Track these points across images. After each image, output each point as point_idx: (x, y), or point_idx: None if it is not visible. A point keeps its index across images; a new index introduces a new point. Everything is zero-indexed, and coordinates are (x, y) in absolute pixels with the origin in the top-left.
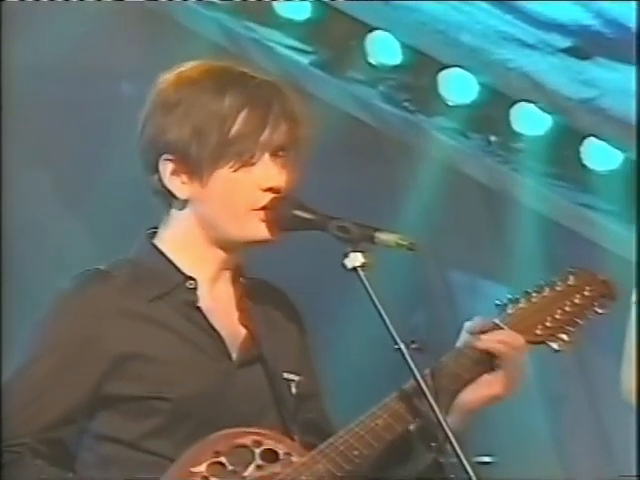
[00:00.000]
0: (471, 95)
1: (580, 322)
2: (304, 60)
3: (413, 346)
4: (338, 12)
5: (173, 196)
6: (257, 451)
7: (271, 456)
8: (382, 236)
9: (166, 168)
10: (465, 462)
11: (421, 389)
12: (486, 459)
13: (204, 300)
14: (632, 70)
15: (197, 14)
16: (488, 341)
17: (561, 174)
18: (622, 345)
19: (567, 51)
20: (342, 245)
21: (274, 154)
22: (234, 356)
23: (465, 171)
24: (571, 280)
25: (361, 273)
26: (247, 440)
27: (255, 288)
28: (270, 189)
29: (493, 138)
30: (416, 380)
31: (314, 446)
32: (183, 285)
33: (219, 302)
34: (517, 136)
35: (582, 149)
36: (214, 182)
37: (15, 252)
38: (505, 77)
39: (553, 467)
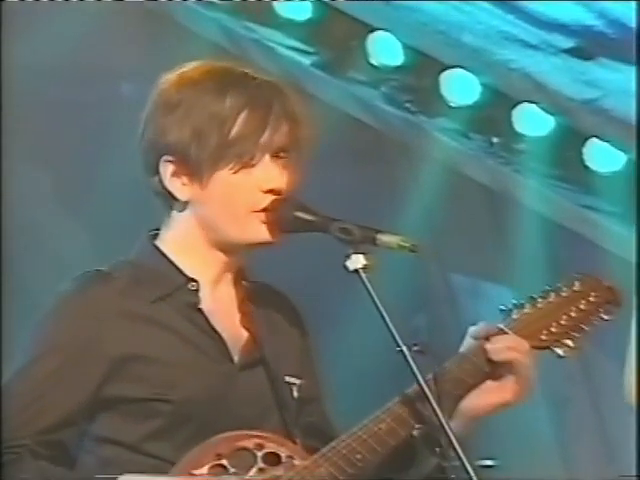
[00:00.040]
0: (473, 96)
1: (585, 328)
2: (305, 61)
3: (415, 348)
4: (339, 12)
5: (174, 198)
6: (259, 454)
7: (273, 459)
8: (384, 238)
9: (166, 169)
10: (468, 467)
11: (423, 392)
12: (488, 463)
13: (206, 302)
14: (635, 71)
15: (197, 14)
16: (497, 350)
17: (564, 175)
18: (625, 349)
19: (570, 51)
20: (344, 247)
21: (275, 155)
22: (236, 359)
23: (467, 172)
24: (577, 286)
25: (363, 275)
26: (249, 443)
27: (257, 291)
28: (271, 191)
29: (495, 139)
30: (418, 383)
31: (316, 450)
32: (185, 287)
33: (221, 304)
34: (519, 137)
35: (585, 150)
36: (214, 184)
37: (15, 253)
38: (507, 78)
39: (557, 470)
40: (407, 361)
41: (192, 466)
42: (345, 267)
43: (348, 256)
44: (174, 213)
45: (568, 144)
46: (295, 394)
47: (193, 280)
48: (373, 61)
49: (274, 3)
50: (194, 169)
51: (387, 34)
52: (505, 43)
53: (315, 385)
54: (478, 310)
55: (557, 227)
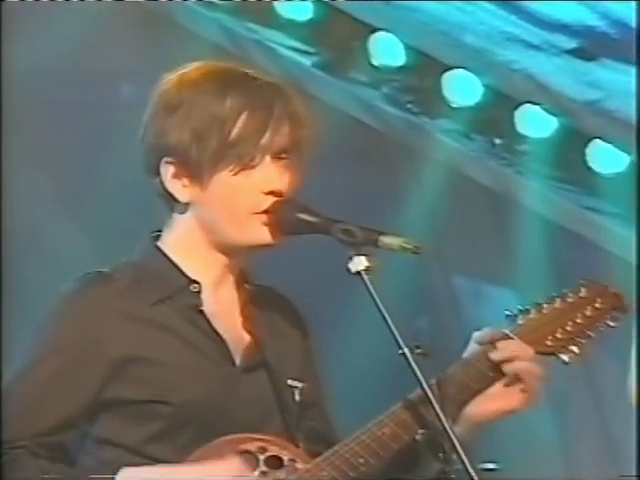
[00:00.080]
0: (475, 97)
1: (591, 334)
2: (306, 61)
3: (417, 351)
4: (340, 13)
5: (175, 199)
6: (261, 457)
7: (275, 463)
8: (386, 240)
9: (167, 171)
10: (472, 472)
11: (426, 394)
12: (490, 466)
13: (207, 304)
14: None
15: (198, 15)
16: (501, 358)
17: (566, 177)
18: (629, 350)
19: (572, 52)
20: (346, 249)
21: (276, 157)
22: (237, 362)
23: (469, 174)
24: (583, 292)
25: (365, 277)
26: (252, 446)
27: (260, 295)
28: (272, 192)
29: (497, 140)
30: (420, 385)
31: (318, 454)
32: (187, 288)
33: (223, 307)
34: (522, 138)
35: (588, 151)
36: (214, 186)
37: (15, 253)
38: (509, 79)
39: (559, 473)
40: (409, 364)
41: None
42: (347, 269)
43: (350, 258)
44: (175, 215)
45: (571, 145)
46: (297, 397)
47: (195, 282)
48: (374, 62)
49: (275, 3)
50: (194, 171)
51: (388, 34)
52: (507, 44)
53: (317, 389)
54: (480, 312)
55: (559, 229)
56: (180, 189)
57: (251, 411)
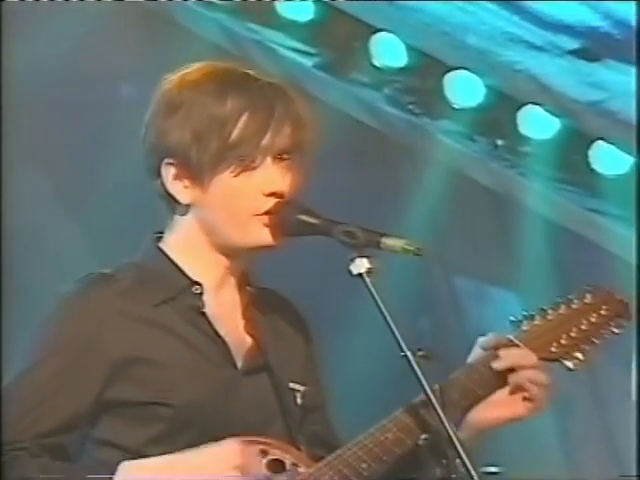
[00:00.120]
0: (477, 98)
1: (596, 341)
2: (307, 62)
3: (419, 353)
4: (341, 13)
5: (176, 201)
6: (264, 461)
7: (278, 466)
8: (388, 241)
9: (168, 172)
10: (475, 478)
11: (427, 396)
12: (493, 469)
13: (209, 306)
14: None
15: (198, 15)
16: (505, 366)
17: (569, 178)
18: (632, 353)
19: (575, 53)
20: (347, 250)
21: (277, 158)
22: (239, 364)
23: (471, 175)
24: (588, 298)
25: (367, 279)
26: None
27: (262, 297)
28: (273, 194)
29: (500, 142)
30: (422, 387)
31: (320, 458)
32: (189, 290)
33: (224, 309)
34: (524, 140)
35: (590, 153)
36: (215, 187)
37: (15, 254)
38: (512, 79)
39: (562, 477)
40: (411, 366)
41: None
42: (349, 271)
43: (352, 260)
44: (176, 216)
45: (573, 147)
46: (299, 401)
47: (197, 283)
48: (376, 62)
49: (276, 3)
50: (195, 172)
51: (390, 35)
52: (510, 44)
53: (319, 393)
54: (482, 314)
55: (562, 230)
56: (181, 190)
57: (252, 414)
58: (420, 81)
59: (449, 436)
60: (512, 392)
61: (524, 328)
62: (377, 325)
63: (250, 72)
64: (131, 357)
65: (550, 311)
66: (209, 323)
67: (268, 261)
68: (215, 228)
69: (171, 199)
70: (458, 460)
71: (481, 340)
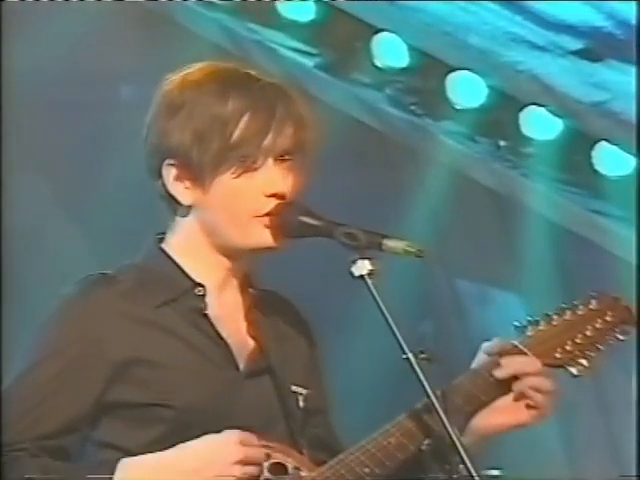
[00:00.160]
0: (479, 98)
1: (601, 347)
2: (308, 62)
3: (422, 356)
4: (343, 13)
5: (177, 202)
6: (265, 464)
7: (280, 470)
8: (390, 243)
9: (169, 173)
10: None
11: (430, 399)
12: (495, 473)
13: (212, 308)
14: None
15: (198, 15)
16: (507, 374)
17: (572, 179)
18: (635, 356)
19: (578, 53)
20: (349, 252)
21: (278, 159)
22: (241, 366)
23: (473, 176)
24: (593, 304)
25: (368, 281)
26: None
27: (264, 299)
28: (274, 195)
29: (502, 142)
30: (425, 391)
31: (322, 462)
32: (191, 291)
33: (227, 310)
34: (527, 140)
35: (593, 154)
36: (216, 188)
37: (15, 254)
38: (514, 80)
39: (564, 478)
40: (413, 369)
41: None
42: (350, 273)
43: (353, 261)
44: (178, 217)
45: (576, 147)
46: (301, 404)
47: (200, 285)
48: (378, 63)
49: (276, 3)
50: (196, 173)
51: (392, 35)
52: (512, 44)
53: (322, 396)
54: (485, 316)
55: (565, 232)
56: (182, 191)
57: (254, 416)
58: (422, 81)
59: (452, 441)
60: (516, 399)
61: (529, 333)
62: (379, 327)
63: (251, 72)
64: (132, 358)
65: (555, 317)
66: (211, 325)
67: (269, 263)
68: (216, 229)
69: (172, 200)
70: (461, 466)
71: (485, 345)
